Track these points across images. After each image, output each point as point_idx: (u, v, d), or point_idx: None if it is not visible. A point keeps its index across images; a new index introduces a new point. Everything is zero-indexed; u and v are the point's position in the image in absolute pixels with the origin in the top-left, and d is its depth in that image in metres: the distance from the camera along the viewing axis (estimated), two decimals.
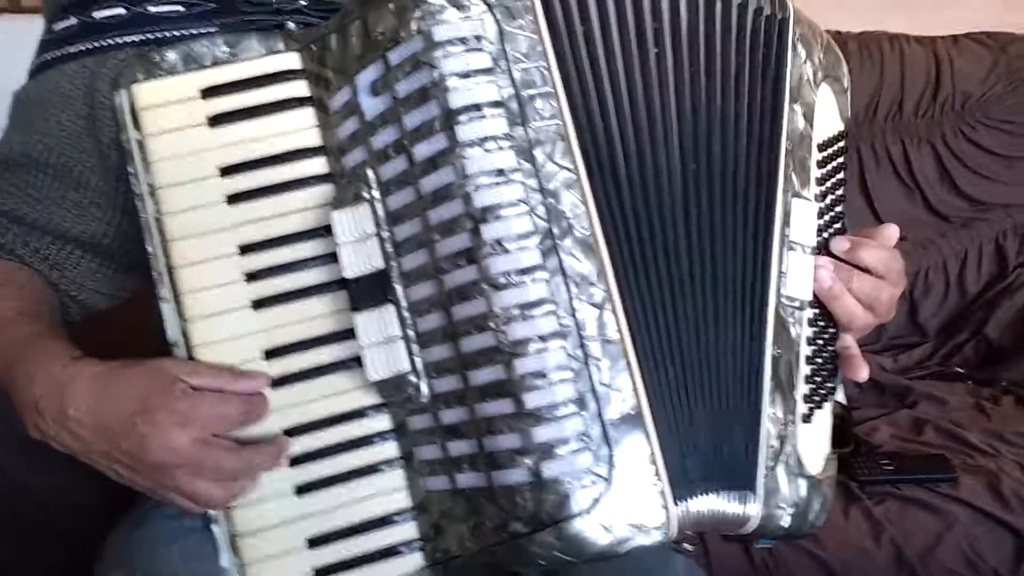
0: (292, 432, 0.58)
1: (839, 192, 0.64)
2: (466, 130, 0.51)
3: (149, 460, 0.50)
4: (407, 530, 0.59)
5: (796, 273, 0.59)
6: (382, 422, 0.59)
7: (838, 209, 0.64)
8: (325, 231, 0.60)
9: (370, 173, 0.56)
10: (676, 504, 0.51)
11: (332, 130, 0.58)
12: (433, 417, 0.55)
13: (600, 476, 0.50)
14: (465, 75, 0.51)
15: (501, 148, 0.51)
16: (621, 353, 0.51)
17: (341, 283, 0.59)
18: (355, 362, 0.59)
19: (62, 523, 0.82)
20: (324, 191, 0.60)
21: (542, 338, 0.50)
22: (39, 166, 0.61)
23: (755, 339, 0.57)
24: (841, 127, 0.65)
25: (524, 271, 0.51)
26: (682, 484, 0.52)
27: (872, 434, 1.29)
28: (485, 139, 0.51)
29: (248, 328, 0.59)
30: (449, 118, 0.51)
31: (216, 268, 0.59)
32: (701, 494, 0.53)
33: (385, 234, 0.56)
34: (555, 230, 0.51)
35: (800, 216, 0.60)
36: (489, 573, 0.56)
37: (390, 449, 0.59)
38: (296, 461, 0.59)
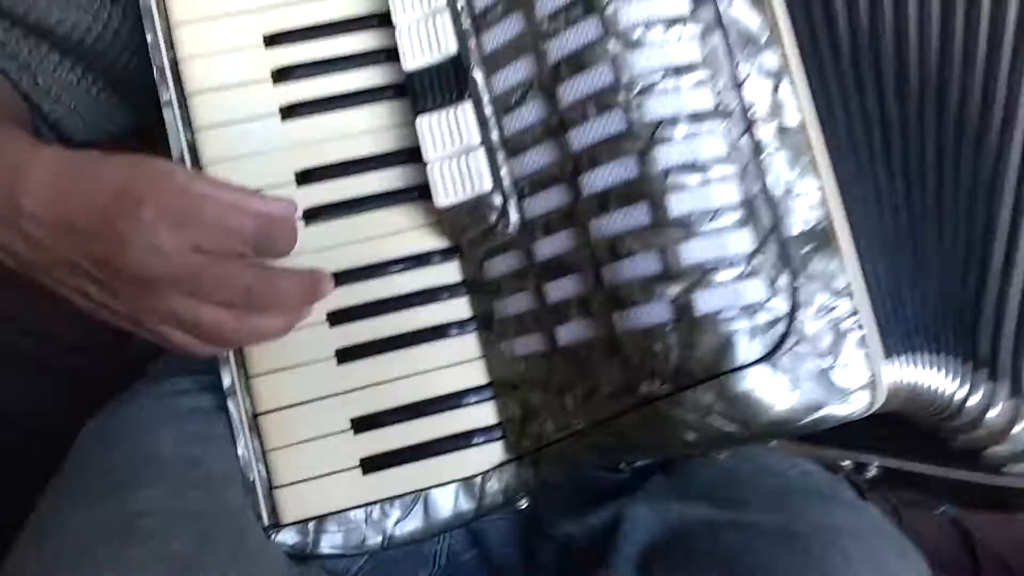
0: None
1: None
2: None
3: (130, 270, 0.36)
4: (482, 413, 0.44)
5: None
6: (450, 271, 0.45)
7: None
8: (377, 20, 0.46)
9: None
10: (888, 360, 0.36)
11: None
12: (524, 254, 0.41)
13: (778, 313, 0.35)
14: None
15: None
16: (805, 145, 0.36)
17: (399, 89, 0.45)
18: (416, 192, 0.45)
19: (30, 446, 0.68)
20: None
21: (693, 117, 0.35)
22: None
23: None
24: None
25: (666, 22, 0.36)
26: (896, 333, 0.37)
27: None
28: None
29: (274, 142, 0.44)
30: None
31: (234, 63, 0.45)
32: (925, 353, 0.37)
33: (461, 2, 0.41)
34: None
35: None
36: (593, 463, 0.41)
37: (460, 307, 0.45)
38: (336, 319, 0.44)
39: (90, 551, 0.36)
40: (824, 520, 0.41)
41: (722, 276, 0.35)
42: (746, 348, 0.34)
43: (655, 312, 0.35)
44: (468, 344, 0.44)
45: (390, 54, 0.45)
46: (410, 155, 0.45)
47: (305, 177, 0.44)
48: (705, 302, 0.34)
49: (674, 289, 0.35)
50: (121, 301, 0.37)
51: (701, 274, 0.35)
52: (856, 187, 0.37)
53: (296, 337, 0.43)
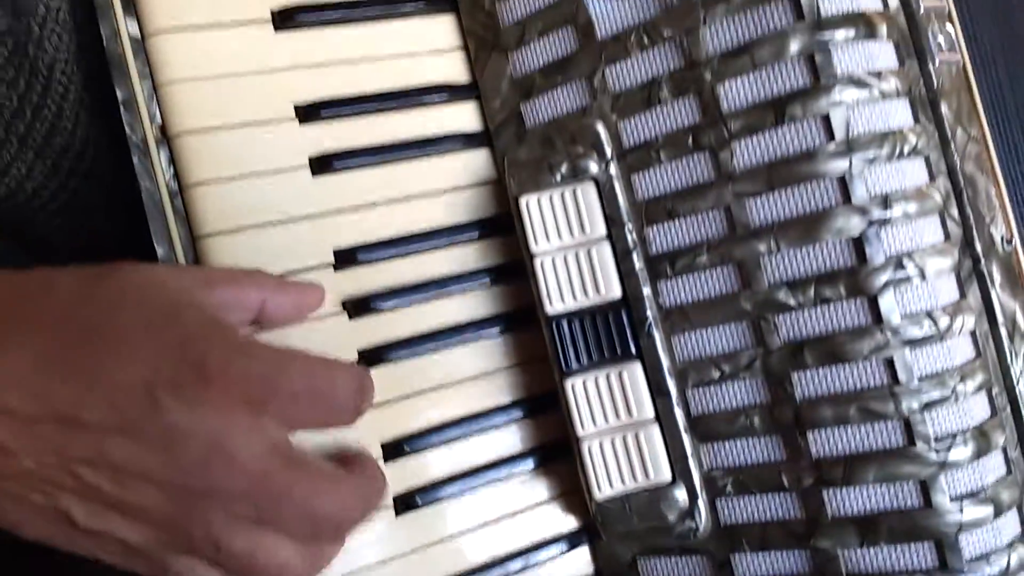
0: None
1: None
2: None
3: (179, 480, 0.22)
4: None
5: None
6: (578, 560, 0.35)
7: None
8: (479, 231, 0.35)
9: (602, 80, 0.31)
10: None
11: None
12: (715, 568, 0.31)
13: None
14: None
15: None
16: None
17: (515, 323, 0.34)
18: (534, 457, 0.34)
19: None
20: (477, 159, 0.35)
21: (979, 434, 0.29)
22: None
23: None
24: None
25: (949, 311, 0.29)
26: None
27: None
28: None
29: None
30: None
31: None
32: None
33: (630, 236, 0.32)
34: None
35: None
36: None
37: None
38: None
39: None
40: None
41: None
42: None
43: None
44: None
45: (499, 274, 0.35)
46: (524, 407, 0.35)
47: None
48: None
49: None
50: (135, 526, 0.23)
51: None
52: None
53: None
